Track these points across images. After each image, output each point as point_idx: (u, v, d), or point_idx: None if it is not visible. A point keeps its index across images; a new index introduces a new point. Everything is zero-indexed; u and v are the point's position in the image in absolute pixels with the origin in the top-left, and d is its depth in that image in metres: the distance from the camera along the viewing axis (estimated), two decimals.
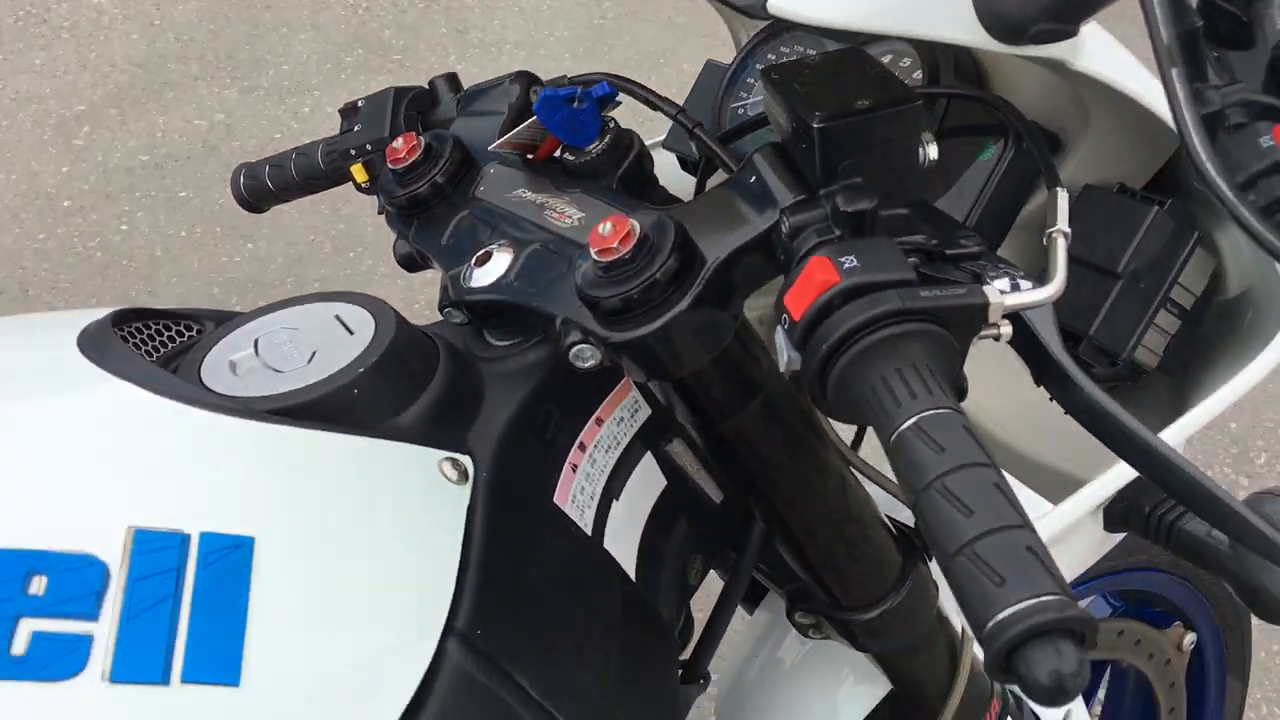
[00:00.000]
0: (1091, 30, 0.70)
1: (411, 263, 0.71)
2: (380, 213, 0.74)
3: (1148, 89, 0.69)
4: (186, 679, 0.46)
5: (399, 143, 0.71)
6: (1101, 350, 0.75)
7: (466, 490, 0.58)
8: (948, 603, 0.82)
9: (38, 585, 0.45)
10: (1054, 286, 0.56)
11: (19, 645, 0.44)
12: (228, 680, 0.46)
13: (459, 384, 0.63)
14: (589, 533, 0.67)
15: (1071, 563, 0.74)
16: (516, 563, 0.61)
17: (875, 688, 0.87)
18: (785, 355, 0.54)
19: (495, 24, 3.35)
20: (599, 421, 0.69)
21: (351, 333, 0.61)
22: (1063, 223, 0.62)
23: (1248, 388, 0.71)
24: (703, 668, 0.85)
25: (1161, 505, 0.64)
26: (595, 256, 0.57)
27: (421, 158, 0.70)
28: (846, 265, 0.53)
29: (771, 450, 0.69)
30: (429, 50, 3.26)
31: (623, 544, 0.70)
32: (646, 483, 0.73)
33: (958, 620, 0.84)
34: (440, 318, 0.69)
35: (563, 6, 3.40)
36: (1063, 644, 0.41)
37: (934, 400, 0.48)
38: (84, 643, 0.45)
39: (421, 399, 0.60)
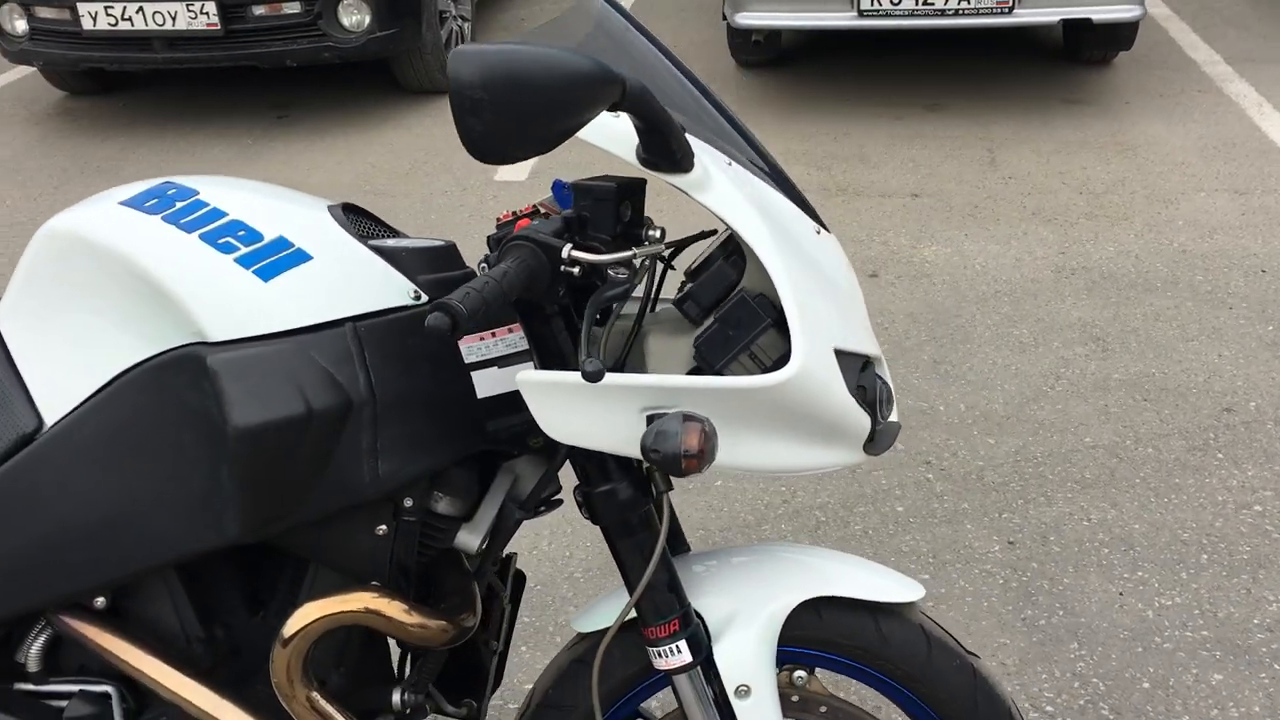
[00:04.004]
0: (727, 180, 1.21)
1: None
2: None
3: (749, 232, 1.19)
4: (266, 278, 1.25)
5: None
6: (705, 359, 1.24)
7: (412, 301, 1.29)
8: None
9: (241, 233, 1.27)
10: (600, 258, 1.18)
11: (223, 240, 1.27)
12: (297, 261, 1.27)
13: (458, 281, 1.32)
14: (465, 363, 1.31)
15: (673, 364, 1.29)
16: (409, 337, 1.27)
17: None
18: None
19: None
20: (510, 330, 1.34)
21: (429, 246, 1.34)
22: (654, 246, 1.23)
23: (705, 386, 1.18)
24: (533, 501, 1.42)
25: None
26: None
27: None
28: (533, 225, 1.20)
29: None
30: None
31: (484, 385, 1.32)
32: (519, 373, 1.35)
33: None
34: None
35: None
36: (442, 315, 1.03)
37: (501, 268, 1.12)
38: (235, 249, 1.25)
39: (435, 275, 1.31)
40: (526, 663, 2.34)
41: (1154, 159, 4.81)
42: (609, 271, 1.20)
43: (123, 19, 5.15)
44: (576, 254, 1.18)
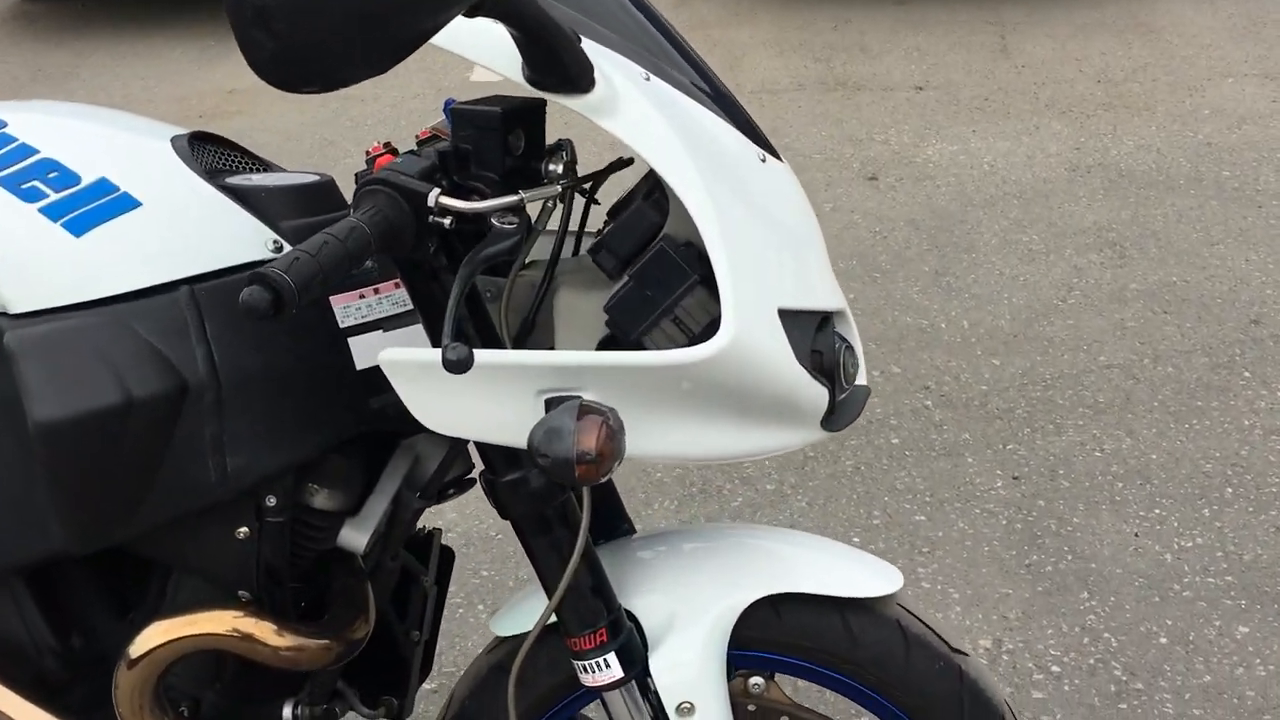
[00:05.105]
0: (641, 98, 0.96)
1: None
2: None
3: (666, 164, 0.95)
4: (78, 232, 1.02)
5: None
6: (618, 326, 1.00)
7: (271, 254, 1.06)
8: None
9: (53, 175, 1.04)
10: (475, 205, 0.93)
11: (28, 185, 1.04)
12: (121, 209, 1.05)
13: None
14: (340, 326, 1.07)
15: (585, 329, 1.05)
16: None
17: None
18: None
19: None
20: (397, 285, 1.10)
21: (299, 183, 1.11)
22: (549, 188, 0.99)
23: (610, 364, 0.96)
24: (432, 489, 1.20)
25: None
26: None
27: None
28: (397, 162, 0.95)
29: None
30: None
31: (363, 355, 1.08)
32: (407, 339, 1.10)
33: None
34: None
35: None
36: (260, 290, 0.81)
37: (349, 223, 0.88)
38: (43, 196, 1.03)
39: (304, 220, 1.08)
40: None
41: (1179, 42, 4.47)
42: (494, 220, 0.95)
43: None
44: (446, 201, 0.93)
